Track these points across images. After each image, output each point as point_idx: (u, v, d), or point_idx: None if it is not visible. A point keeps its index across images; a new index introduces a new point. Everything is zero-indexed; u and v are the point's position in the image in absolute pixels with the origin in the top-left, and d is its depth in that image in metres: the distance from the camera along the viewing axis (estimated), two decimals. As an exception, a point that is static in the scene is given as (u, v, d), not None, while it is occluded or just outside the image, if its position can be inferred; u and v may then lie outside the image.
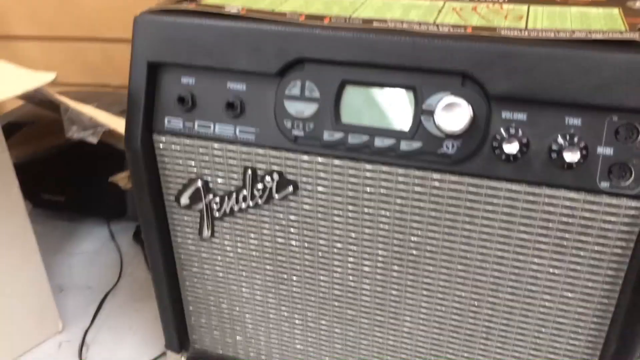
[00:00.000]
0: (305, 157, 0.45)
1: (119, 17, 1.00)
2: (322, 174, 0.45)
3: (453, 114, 0.39)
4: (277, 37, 0.43)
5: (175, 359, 0.61)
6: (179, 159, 0.49)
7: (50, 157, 0.81)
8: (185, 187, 0.50)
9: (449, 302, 0.47)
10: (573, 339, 0.44)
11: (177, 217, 0.52)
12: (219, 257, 0.53)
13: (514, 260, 0.43)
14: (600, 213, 0.39)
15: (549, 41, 0.38)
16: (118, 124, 0.59)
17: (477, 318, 0.46)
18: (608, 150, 0.38)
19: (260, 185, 0.47)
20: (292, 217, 0.48)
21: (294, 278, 0.51)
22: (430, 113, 0.40)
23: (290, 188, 0.46)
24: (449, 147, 0.41)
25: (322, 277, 0.50)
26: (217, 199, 0.50)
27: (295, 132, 0.44)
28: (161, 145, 0.49)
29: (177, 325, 0.58)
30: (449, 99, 0.39)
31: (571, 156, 0.37)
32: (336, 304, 0.51)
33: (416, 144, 0.41)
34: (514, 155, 0.39)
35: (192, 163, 0.49)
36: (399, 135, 0.42)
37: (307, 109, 0.44)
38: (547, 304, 0.44)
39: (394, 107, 0.42)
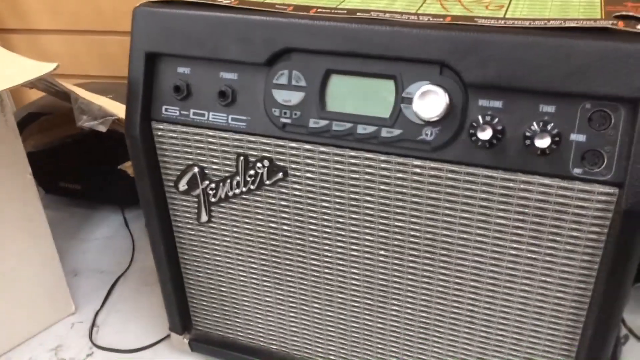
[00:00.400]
0: (293, 144, 0.46)
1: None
2: (309, 161, 0.47)
3: (430, 101, 0.40)
4: (265, 28, 0.45)
5: (178, 340, 0.64)
6: (176, 146, 0.51)
7: (66, 146, 0.85)
8: (183, 173, 0.52)
9: (433, 286, 0.48)
10: (554, 322, 0.45)
11: (176, 203, 0.55)
12: (217, 242, 0.55)
13: (493, 246, 0.44)
14: (573, 199, 0.40)
15: (523, 29, 0.39)
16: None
17: (461, 302, 0.48)
18: (581, 137, 0.38)
19: (252, 172, 0.49)
20: (283, 203, 0.50)
21: (287, 262, 0.53)
22: (410, 101, 0.41)
23: (280, 174, 0.48)
24: (427, 134, 0.42)
25: (313, 262, 0.52)
26: (213, 185, 0.52)
27: (283, 120, 0.46)
28: (159, 133, 0.51)
29: (179, 307, 0.61)
30: (425, 87, 0.40)
31: (542, 142, 0.38)
32: (327, 287, 0.53)
33: (396, 131, 0.43)
34: (490, 142, 0.40)
35: (189, 150, 0.51)
36: (380, 122, 0.43)
37: (294, 98, 0.45)
38: (527, 288, 0.44)
39: (376, 95, 0.43)
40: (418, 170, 0.43)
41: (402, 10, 0.43)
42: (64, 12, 1.09)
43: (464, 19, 0.41)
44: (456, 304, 0.48)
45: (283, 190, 0.49)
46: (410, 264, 0.48)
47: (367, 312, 0.52)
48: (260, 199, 0.50)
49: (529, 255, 0.43)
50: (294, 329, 0.57)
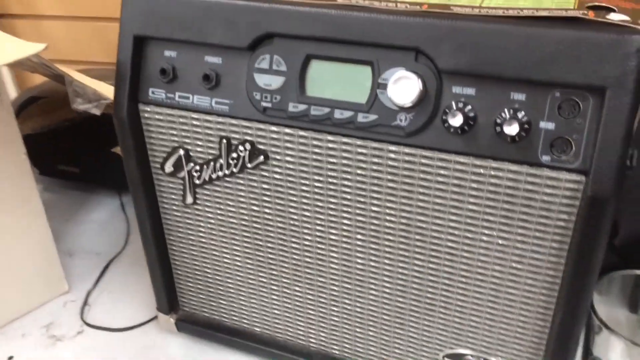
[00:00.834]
0: (274, 128, 0.47)
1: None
2: (289, 145, 0.48)
3: (403, 87, 0.41)
4: (248, 12, 0.46)
5: (165, 320, 0.65)
6: (162, 129, 0.52)
7: (64, 129, 0.86)
8: (168, 155, 0.54)
9: (409, 271, 0.49)
10: (524, 310, 0.46)
11: (163, 184, 0.56)
12: (202, 224, 0.56)
13: (466, 232, 0.45)
14: (542, 186, 0.40)
15: (497, 18, 0.39)
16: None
17: (436, 287, 0.48)
18: (550, 125, 0.39)
19: (234, 155, 0.50)
20: (265, 186, 0.51)
21: (269, 245, 0.54)
22: (385, 87, 0.42)
23: (262, 158, 0.49)
24: (402, 120, 0.43)
25: (294, 245, 0.53)
26: (197, 167, 0.53)
27: (264, 104, 0.47)
28: (146, 115, 0.52)
29: (165, 287, 0.62)
30: (400, 73, 0.41)
31: (510, 129, 0.38)
32: (308, 271, 0.54)
33: (372, 117, 0.43)
34: (462, 129, 0.41)
35: (174, 132, 0.52)
36: (356, 107, 0.44)
37: (275, 82, 0.46)
38: (498, 274, 0.45)
39: (353, 81, 0.44)
40: (393, 155, 0.44)
41: (382, -3, 0.44)
42: (68, -2, 1.11)
43: (440, 7, 0.42)
44: (431, 289, 0.49)
45: (264, 173, 0.50)
46: (387, 249, 0.49)
47: (345, 296, 0.53)
48: (242, 182, 0.51)
49: (499, 241, 0.44)
50: (276, 311, 0.58)
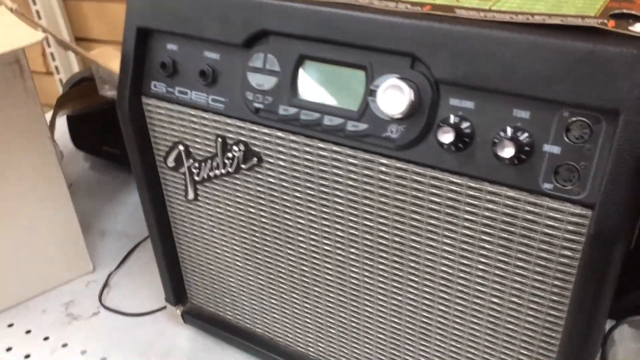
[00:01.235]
0: (266, 130, 0.45)
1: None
2: (281, 149, 0.45)
3: (393, 97, 0.37)
4: (243, 8, 0.43)
5: (172, 311, 0.65)
6: (164, 123, 0.51)
7: (107, 111, 0.88)
8: (170, 149, 0.52)
9: (403, 292, 0.45)
10: (525, 349, 0.41)
11: (168, 178, 0.55)
12: (204, 220, 0.55)
13: (461, 257, 0.40)
14: (542, 217, 0.35)
15: (500, 24, 0.35)
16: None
17: (431, 313, 0.45)
18: (555, 149, 0.34)
19: (230, 154, 0.48)
20: (260, 189, 0.48)
21: (267, 249, 0.52)
22: (377, 94, 0.38)
23: (255, 160, 0.47)
24: (393, 132, 0.39)
25: (290, 251, 0.50)
26: (197, 164, 0.51)
27: (256, 105, 0.44)
28: (149, 108, 0.51)
29: (172, 279, 0.62)
30: (390, 81, 0.37)
31: (505, 152, 0.34)
32: (304, 279, 0.51)
33: (362, 126, 0.40)
34: (457, 146, 0.36)
35: (175, 127, 0.51)
36: (347, 115, 0.40)
37: (267, 82, 0.43)
38: (496, 307, 0.41)
39: (347, 86, 0.41)
40: (384, 169, 0.40)
41: (384, -5, 0.40)
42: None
43: (444, 8, 0.37)
44: (426, 314, 0.45)
45: (259, 176, 0.48)
46: (380, 267, 0.45)
47: (341, 310, 0.50)
48: (239, 182, 0.49)
49: (497, 272, 0.39)
50: (275, 315, 0.56)
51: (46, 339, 0.67)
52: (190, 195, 0.54)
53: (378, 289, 0.46)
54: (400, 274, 0.44)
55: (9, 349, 0.65)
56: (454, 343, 0.45)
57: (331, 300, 0.50)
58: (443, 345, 0.45)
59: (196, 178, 0.52)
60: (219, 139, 0.48)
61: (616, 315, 0.57)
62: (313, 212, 0.46)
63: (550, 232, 0.36)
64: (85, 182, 0.98)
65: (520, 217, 0.36)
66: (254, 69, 0.44)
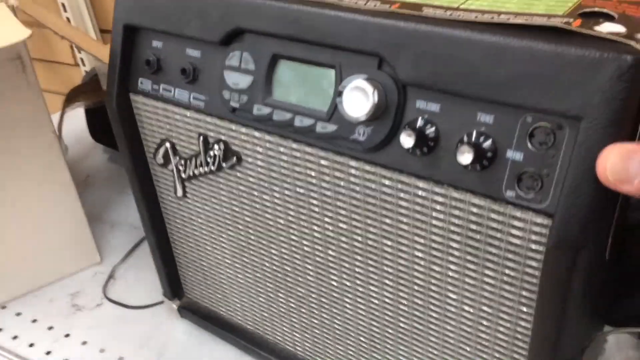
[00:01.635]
0: (244, 130, 0.45)
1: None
2: (258, 148, 0.45)
3: (357, 99, 0.36)
4: (219, 5, 0.43)
5: (169, 305, 0.66)
6: (151, 120, 0.52)
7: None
8: (158, 146, 0.53)
9: (380, 296, 0.44)
10: (497, 358, 0.40)
11: (159, 175, 0.55)
12: (193, 217, 0.55)
13: (431, 264, 0.39)
14: (506, 225, 0.34)
15: (463, 24, 0.33)
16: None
17: (407, 317, 0.44)
18: (518, 155, 0.33)
19: (211, 153, 0.48)
20: (241, 188, 0.48)
21: (252, 248, 0.52)
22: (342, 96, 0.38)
23: (235, 159, 0.47)
24: (360, 134, 0.38)
25: (273, 251, 0.50)
26: (183, 162, 0.51)
27: (232, 104, 0.44)
28: (136, 105, 0.52)
29: (167, 274, 0.62)
30: (355, 82, 0.36)
31: (463, 157, 0.33)
32: (288, 279, 0.51)
33: (331, 127, 0.39)
34: (422, 150, 0.35)
35: (161, 125, 0.51)
36: (317, 116, 0.40)
37: (242, 81, 0.43)
38: (468, 315, 0.40)
39: (318, 86, 0.40)
40: (354, 171, 0.40)
41: (356, -7, 0.39)
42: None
43: (412, 6, 0.36)
44: (403, 319, 0.44)
45: (239, 175, 0.48)
46: (357, 269, 0.44)
47: (324, 310, 0.50)
48: (222, 180, 0.49)
49: (466, 280, 0.38)
50: (264, 313, 0.56)
51: (50, 328, 0.68)
52: (179, 192, 0.54)
53: (356, 292, 0.46)
54: (376, 277, 0.43)
55: (15, 337, 0.68)
56: (430, 349, 0.44)
57: (313, 301, 0.50)
58: (420, 350, 0.44)
59: (183, 175, 0.52)
60: (201, 137, 0.48)
61: (616, 322, 0.55)
62: (291, 213, 0.46)
63: (515, 241, 0.34)
64: (103, 175, 1.00)
65: (485, 225, 0.35)
66: (231, 67, 0.44)
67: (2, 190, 0.65)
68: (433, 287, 0.40)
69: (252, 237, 0.51)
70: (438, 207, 0.37)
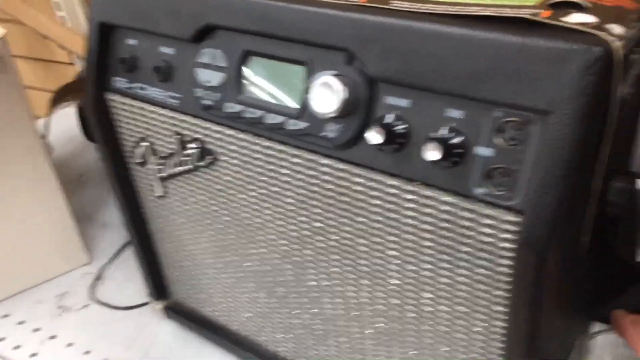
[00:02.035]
0: (217, 128, 0.44)
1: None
2: (232, 147, 0.44)
3: (325, 95, 0.35)
4: (190, 2, 0.42)
5: (154, 305, 0.65)
6: (128, 119, 0.51)
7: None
8: (136, 145, 0.52)
9: (358, 295, 0.43)
10: (475, 358, 0.39)
11: (139, 174, 0.55)
12: (174, 217, 0.55)
13: (407, 263, 0.38)
14: (478, 223, 0.33)
15: (432, 16, 0.32)
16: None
17: (387, 318, 0.43)
18: (487, 151, 0.32)
19: (188, 152, 0.48)
20: (218, 187, 0.48)
21: (232, 248, 0.51)
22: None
23: (211, 157, 0.46)
24: (330, 131, 0.37)
25: (252, 251, 0.49)
26: (161, 161, 0.51)
27: (204, 102, 0.43)
28: (113, 104, 0.51)
29: (151, 274, 0.62)
30: (323, 78, 0.35)
31: (430, 154, 0.32)
32: (268, 279, 0.50)
33: (302, 124, 0.38)
34: (393, 147, 0.34)
35: (138, 124, 0.50)
36: (287, 113, 0.39)
37: (214, 79, 0.42)
38: (446, 315, 0.39)
39: (289, 83, 0.39)
40: (326, 169, 0.39)
41: (326, -13, 0.38)
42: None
43: (382, 1, 0.35)
44: (383, 319, 0.43)
45: (217, 174, 0.47)
46: (334, 269, 0.44)
47: (305, 311, 0.49)
48: (200, 179, 0.49)
49: (441, 279, 0.37)
50: (247, 313, 0.56)
51: (36, 330, 0.68)
52: (158, 192, 0.54)
53: (334, 292, 0.45)
54: (352, 277, 0.43)
55: (1, 340, 0.67)
56: (408, 350, 0.43)
57: (293, 301, 0.49)
58: (399, 350, 0.44)
59: (162, 175, 0.52)
60: (177, 136, 0.47)
61: (605, 319, 0.54)
62: (268, 212, 0.45)
63: (487, 239, 0.33)
64: (96, 174, 0.99)
65: (456, 222, 0.34)
66: (203, 64, 0.43)
67: (-15, 192, 0.65)
68: (408, 287, 0.39)
69: (232, 237, 0.50)
70: (409, 204, 0.36)
